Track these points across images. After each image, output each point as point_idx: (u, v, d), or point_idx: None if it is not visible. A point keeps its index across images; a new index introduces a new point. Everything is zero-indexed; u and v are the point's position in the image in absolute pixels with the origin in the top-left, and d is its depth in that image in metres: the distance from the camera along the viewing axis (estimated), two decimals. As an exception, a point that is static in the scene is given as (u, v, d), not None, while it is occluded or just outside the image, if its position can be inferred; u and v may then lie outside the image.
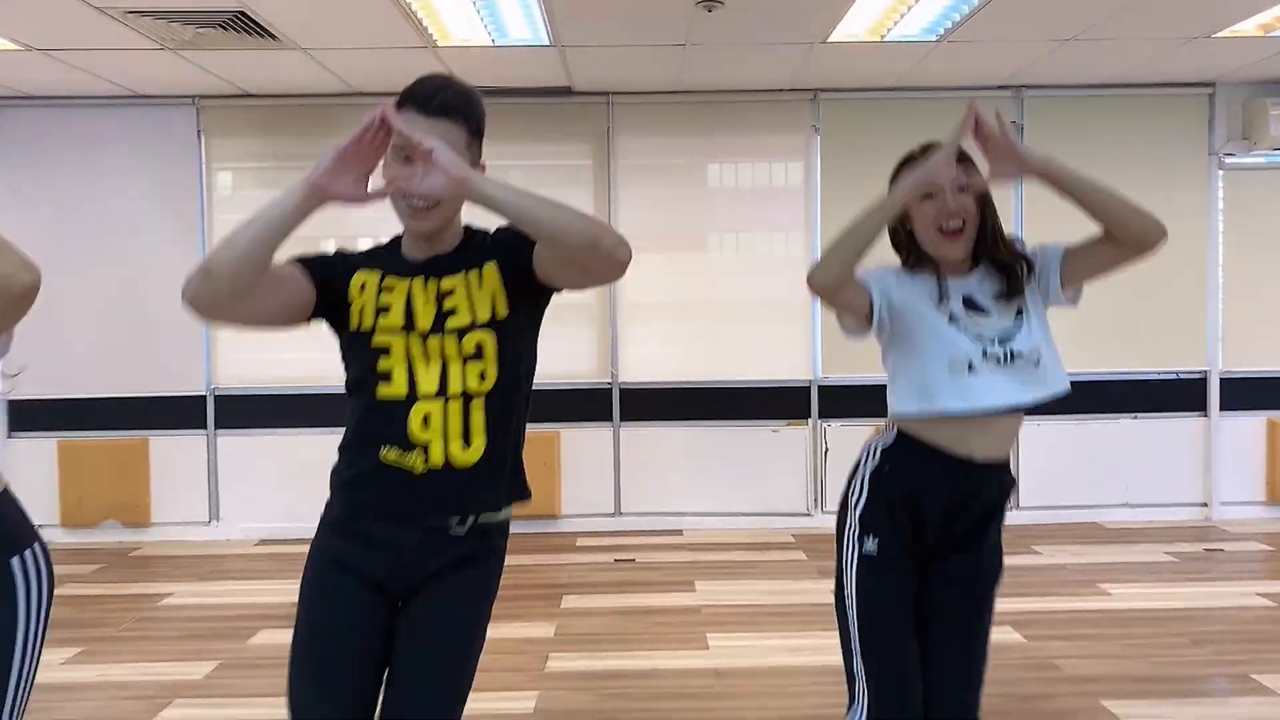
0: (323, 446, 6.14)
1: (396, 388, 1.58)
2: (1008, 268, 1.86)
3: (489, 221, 1.61)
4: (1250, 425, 5.30)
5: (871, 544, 1.83)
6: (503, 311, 1.59)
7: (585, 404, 5.32)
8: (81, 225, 5.25)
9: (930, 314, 1.83)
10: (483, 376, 1.58)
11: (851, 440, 5.22)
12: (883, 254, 1.92)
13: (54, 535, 5.29)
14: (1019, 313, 1.85)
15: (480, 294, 1.58)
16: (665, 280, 5.39)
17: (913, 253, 1.91)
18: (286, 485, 5.30)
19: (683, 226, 5.40)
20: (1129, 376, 5.32)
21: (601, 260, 1.46)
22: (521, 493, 1.68)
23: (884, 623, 1.82)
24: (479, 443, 1.57)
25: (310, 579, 1.63)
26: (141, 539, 5.28)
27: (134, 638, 3.79)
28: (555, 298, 1.68)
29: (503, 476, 1.63)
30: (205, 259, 1.46)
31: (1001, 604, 3.79)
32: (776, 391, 5.36)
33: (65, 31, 4.13)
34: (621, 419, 5.38)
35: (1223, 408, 5.32)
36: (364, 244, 1.76)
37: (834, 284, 1.82)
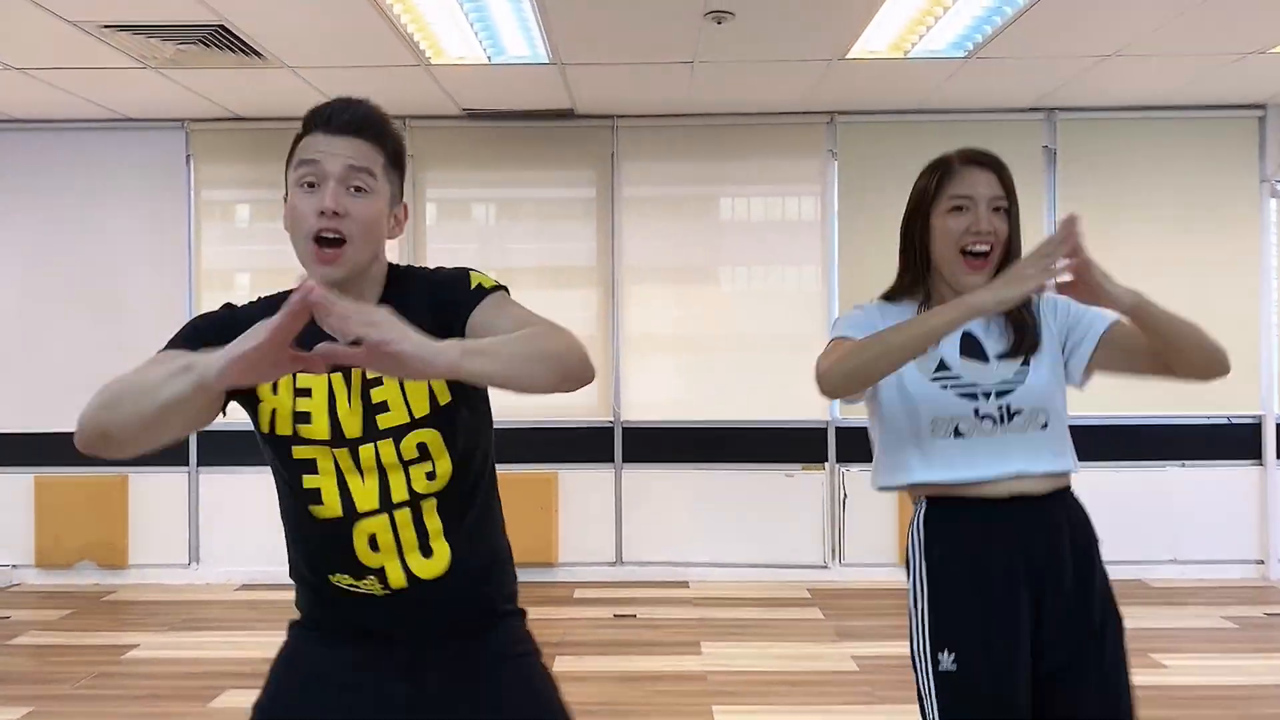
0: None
1: (330, 508, 1.28)
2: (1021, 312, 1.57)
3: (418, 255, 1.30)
4: (1311, 474, 4.88)
5: (948, 660, 1.49)
6: (444, 397, 1.28)
7: (585, 443, 5.00)
8: (66, 251, 5.05)
9: (909, 365, 1.50)
10: (430, 476, 1.28)
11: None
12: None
13: (28, 576, 5.04)
14: (1026, 360, 1.55)
15: (414, 385, 1.27)
16: (672, 313, 5.09)
17: (917, 275, 1.62)
18: (270, 526, 4.99)
19: (691, 257, 5.10)
20: (1176, 420, 4.92)
21: (569, 389, 1.20)
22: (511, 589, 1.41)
23: None
24: (441, 552, 1.28)
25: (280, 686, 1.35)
26: (117, 582, 5.00)
27: (90, 696, 3.49)
28: None
29: (487, 581, 1.35)
30: (99, 421, 1.14)
31: None
32: (791, 432, 5.01)
33: (42, 49, 3.95)
34: (624, 460, 5.04)
35: None
36: (261, 294, 1.38)
37: (843, 397, 1.58)
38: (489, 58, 4.13)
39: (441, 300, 1.29)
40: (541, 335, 1.18)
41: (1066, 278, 1.45)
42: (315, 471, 1.27)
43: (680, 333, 5.10)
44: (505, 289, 1.32)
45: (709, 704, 3.26)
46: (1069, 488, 1.59)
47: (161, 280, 5.04)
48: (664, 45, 3.93)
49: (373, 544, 1.26)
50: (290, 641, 1.37)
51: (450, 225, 5.23)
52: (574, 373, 1.19)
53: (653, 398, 5.06)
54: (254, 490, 4.96)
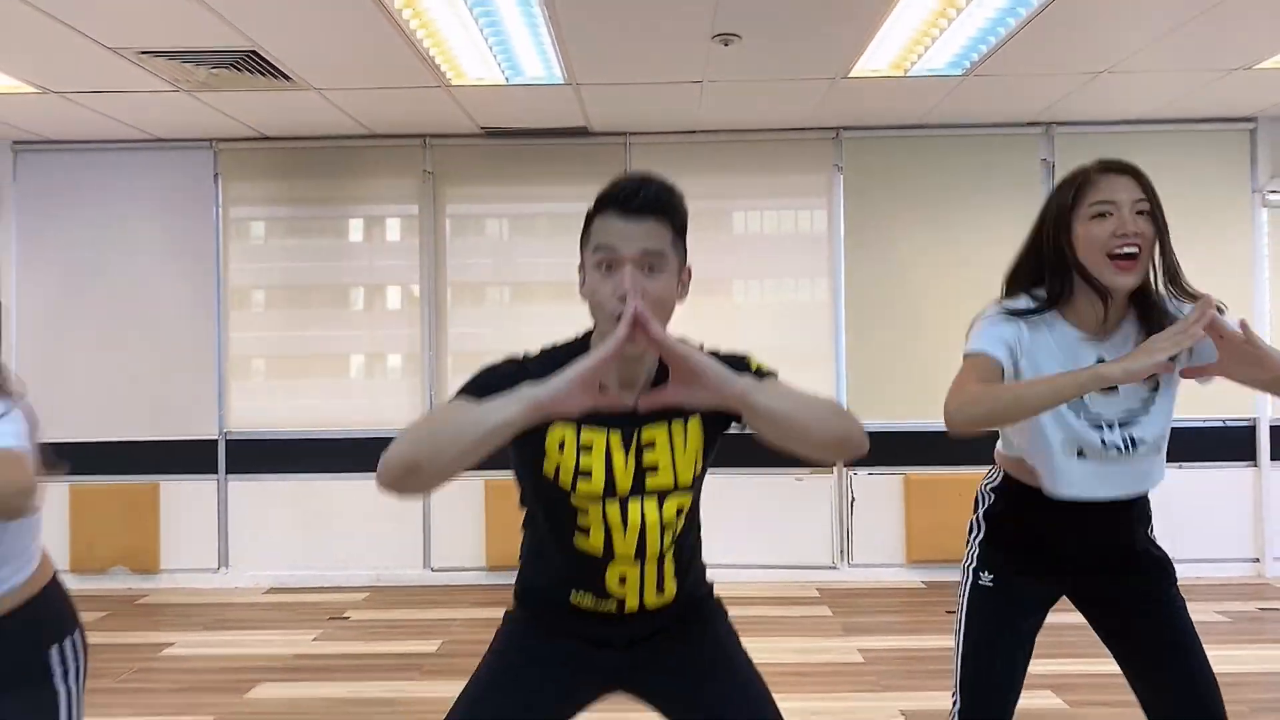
0: (334, 492, 6.04)
1: (593, 546, 1.48)
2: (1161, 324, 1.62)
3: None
4: (1305, 475, 5.02)
5: (987, 578, 1.80)
6: (700, 470, 1.51)
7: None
8: (98, 266, 5.24)
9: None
10: (675, 533, 1.51)
11: (879, 489, 5.07)
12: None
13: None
14: (1155, 387, 1.67)
15: (684, 454, 1.47)
16: (685, 326, 5.23)
17: (1065, 284, 1.68)
18: (297, 531, 5.20)
19: (702, 270, 5.21)
20: (1175, 424, 5.04)
21: (844, 455, 1.37)
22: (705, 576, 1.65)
23: (985, 652, 1.82)
24: (671, 588, 1.52)
25: (513, 648, 1.56)
26: (149, 586, 5.17)
27: (131, 689, 3.65)
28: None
29: (696, 595, 1.59)
30: (409, 455, 1.27)
31: (1040, 665, 3.51)
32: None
33: (81, 73, 4.14)
34: (639, 465, 5.20)
35: (1274, 457, 5.04)
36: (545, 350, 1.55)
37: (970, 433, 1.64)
38: (506, 79, 4.31)
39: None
40: (831, 402, 1.37)
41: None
42: (586, 514, 1.46)
43: (697, 338, 5.26)
44: (777, 374, 1.50)
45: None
46: (1144, 497, 1.77)
47: (190, 294, 5.22)
48: (674, 66, 4.12)
49: (621, 580, 1.48)
50: (509, 627, 1.56)
51: (468, 240, 5.40)
52: (854, 440, 1.34)
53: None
54: (280, 497, 5.19)
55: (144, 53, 3.89)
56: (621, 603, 1.49)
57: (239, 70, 4.11)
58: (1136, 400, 1.66)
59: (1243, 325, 1.59)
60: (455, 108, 4.72)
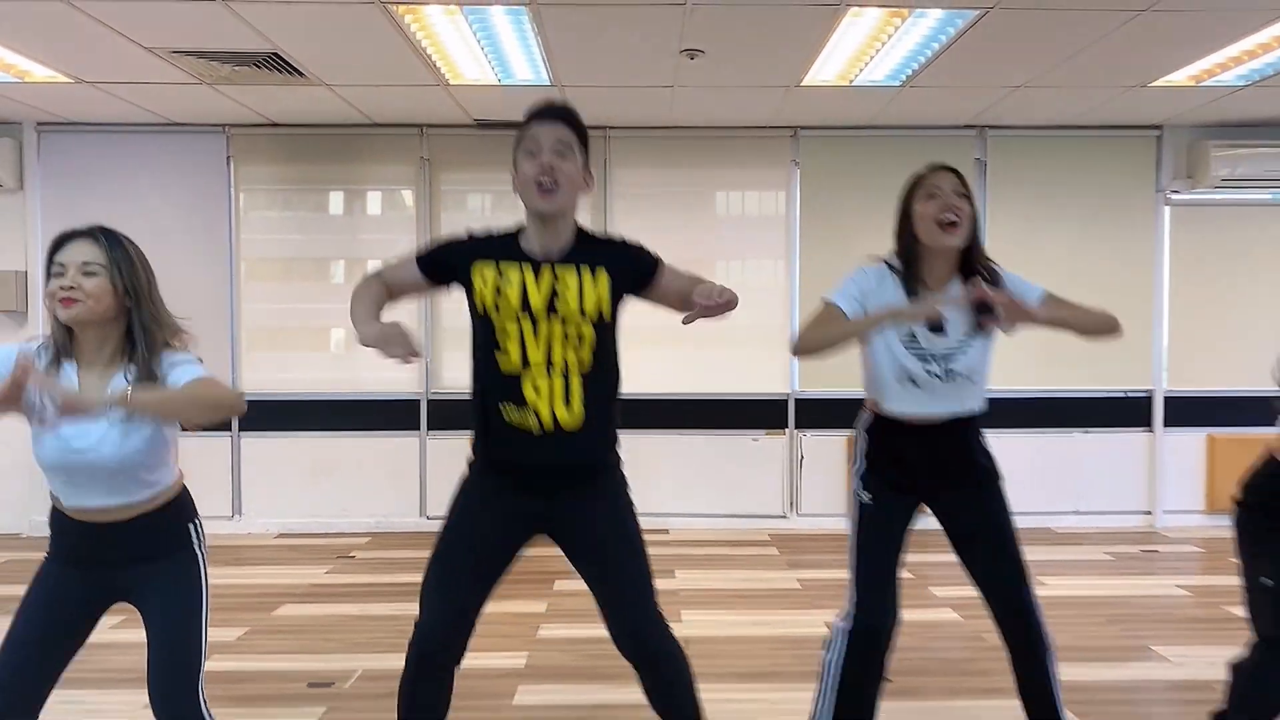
0: (338, 448, 6.65)
1: (513, 362, 1.97)
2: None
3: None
4: (1191, 440, 5.74)
5: (866, 497, 2.36)
6: (607, 315, 2.03)
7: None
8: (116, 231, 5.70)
9: (890, 331, 2.24)
10: (580, 360, 2.00)
11: (826, 449, 5.74)
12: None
13: (86, 526, 5.72)
14: (974, 338, 2.26)
15: (590, 291, 1.99)
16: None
17: (911, 249, 2.25)
18: (304, 483, 5.76)
19: (673, 253, 5.82)
20: (1081, 394, 5.77)
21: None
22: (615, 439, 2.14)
23: (868, 554, 2.35)
24: (578, 408, 1.98)
25: (467, 492, 2.07)
26: (168, 530, 5.70)
27: None
28: None
29: (603, 437, 2.08)
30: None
31: (945, 591, 4.34)
32: (757, 404, 5.81)
33: (115, 67, 4.61)
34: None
35: (1166, 424, 5.77)
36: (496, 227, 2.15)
37: (805, 357, 2.32)
38: (499, 79, 4.85)
39: (627, 266, 2.06)
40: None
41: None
42: (507, 334, 1.96)
43: (666, 316, 5.84)
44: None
45: (679, 609, 4.05)
46: (974, 419, 2.34)
47: (206, 268, 5.72)
48: (647, 73, 4.68)
49: (535, 390, 1.96)
50: (468, 475, 2.10)
51: (460, 219, 5.91)
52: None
53: (640, 374, 5.80)
54: (288, 452, 5.76)
55: (176, 52, 4.38)
56: (539, 416, 1.95)
57: (259, 68, 4.61)
58: (956, 342, 2.25)
59: (1045, 298, 2.24)
60: (451, 102, 5.25)
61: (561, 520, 2.06)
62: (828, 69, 4.64)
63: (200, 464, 5.74)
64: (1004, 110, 5.40)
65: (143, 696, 3.02)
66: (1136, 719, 2.95)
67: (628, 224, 5.82)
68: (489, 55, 4.52)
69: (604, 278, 2.01)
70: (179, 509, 2.06)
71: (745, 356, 5.79)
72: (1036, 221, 5.76)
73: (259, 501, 5.78)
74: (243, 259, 5.81)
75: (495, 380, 2.00)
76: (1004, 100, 5.18)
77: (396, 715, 2.11)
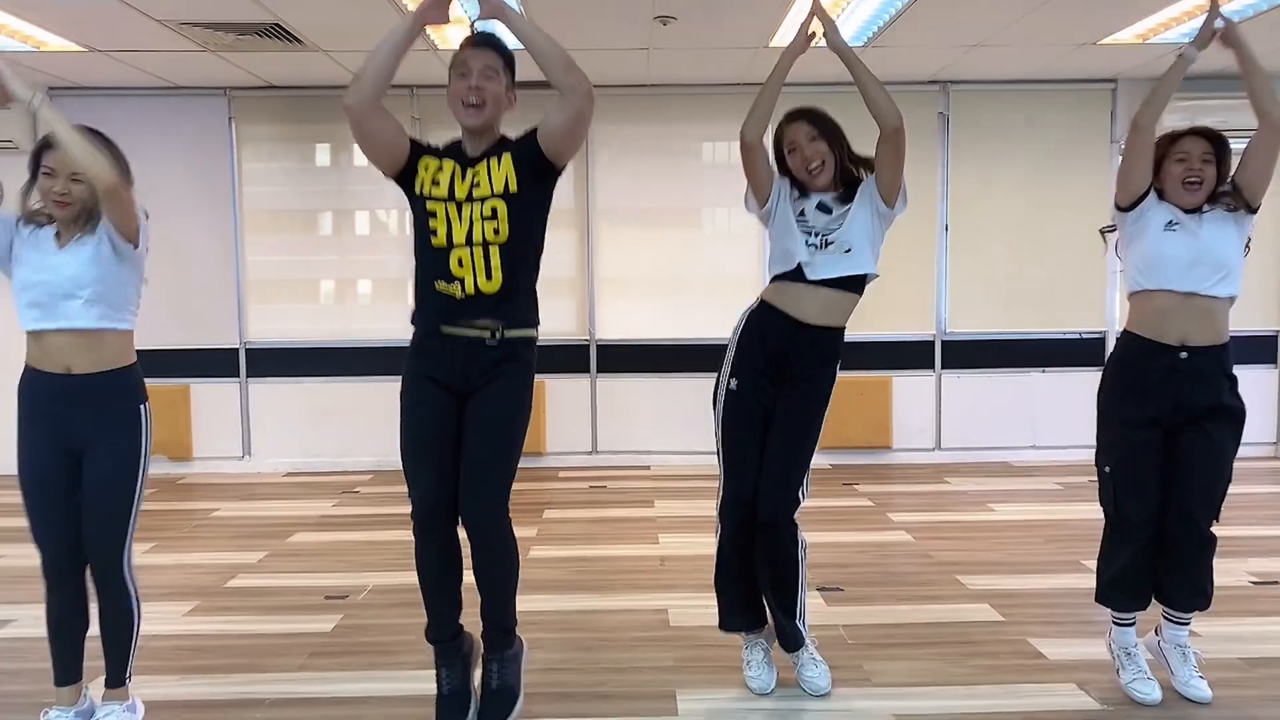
0: (340, 392, 7.06)
1: (440, 240, 2.31)
2: (852, 186, 2.66)
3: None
4: (1139, 377, 6.11)
5: (733, 383, 2.66)
6: (514, 188, 2.30)
7: (567, 358, 6.16)
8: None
9: (789, 214, 2.64)
10: (496, 232, 2.29)
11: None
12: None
13: (108, 469, 6.12)
14: (845, 215, 2.64)
15: (497, 172, 2.30)
16: (638, 249, 6.19)
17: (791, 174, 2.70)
18: (308, 425, 6.16)
19: (652, 202, 6.19)
20: (1038, 336, 6.14)
21: (577, 83, 2.28)
22: (534, 320, 2.43)
23: (732, 435, 2.65)
24: (497, 278, 2.30)
25: (406, 388, 2.41)
26: (185, 471, 6.12)
27: (195, 537, 4.61)
28: (543, 272, 2.45)
29: (518, 305, 2.36)
30: (355, 74, 2.25)
31: (899, 517, 4.82)
32: (734, 347, 6.16)
33: (127, 38, 4.89)
34: (599, 371, 6.21)
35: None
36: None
37: (758, 138, 2.65)
38: (485, 43, 5.12)
39: (523, 140, 2.36)
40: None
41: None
42: (436, 216, 2.30)
43: (646, 267, 6.21)
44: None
45: (656, 533, 4.48)
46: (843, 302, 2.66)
47: (211, 225, 6.04)
48: (623, 37, 4.96)
49: (460, 263, 2.28)
50: (411, 348, 2.43)
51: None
52: (575, 70, 2.34)
53: (622, 320, 6.20)
54: (293, 397, 6.16)
55: (184, 23, 4.66)
56: (463, 284, 2.27)
57: (261, 37, 4.89)
58: (836, 222, 2.61)
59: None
60: (440, 65, 5.52)
61: (471, 396, 2.37)
62: (793, 30, 4.90)
63: (211, 408, 6.14)
64: (964, 66, 5.68)
65: (183, 606, 3.49)
66: (1057, 620, 3.32)
67: (608, 175, 6.13)
68: (474, 21, 4.78)
69: (507, 158, 2.33)
70: (133, 380, 2.43)
71: (724, 304, 6.09)
72: (996, 172, 6.08)
73: (268, 442, 6.19)
74: (246, 214, 6.12)
75: (428, 257, 2.34)
76: (964, 57, 5.46)
77: (421, 585, 2.46)
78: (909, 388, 6.15)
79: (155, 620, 3.24)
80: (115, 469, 2.36)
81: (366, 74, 2.25)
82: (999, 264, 6.11)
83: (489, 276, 2.29)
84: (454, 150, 2.39)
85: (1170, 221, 2.57)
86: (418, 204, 2.35)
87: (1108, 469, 2.70)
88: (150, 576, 3.77)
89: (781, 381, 2.63)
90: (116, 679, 2.46)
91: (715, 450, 2.73)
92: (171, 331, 6.02)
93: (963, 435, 6.14)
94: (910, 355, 6.12)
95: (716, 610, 2.84)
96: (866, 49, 5.22)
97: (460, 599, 2.50)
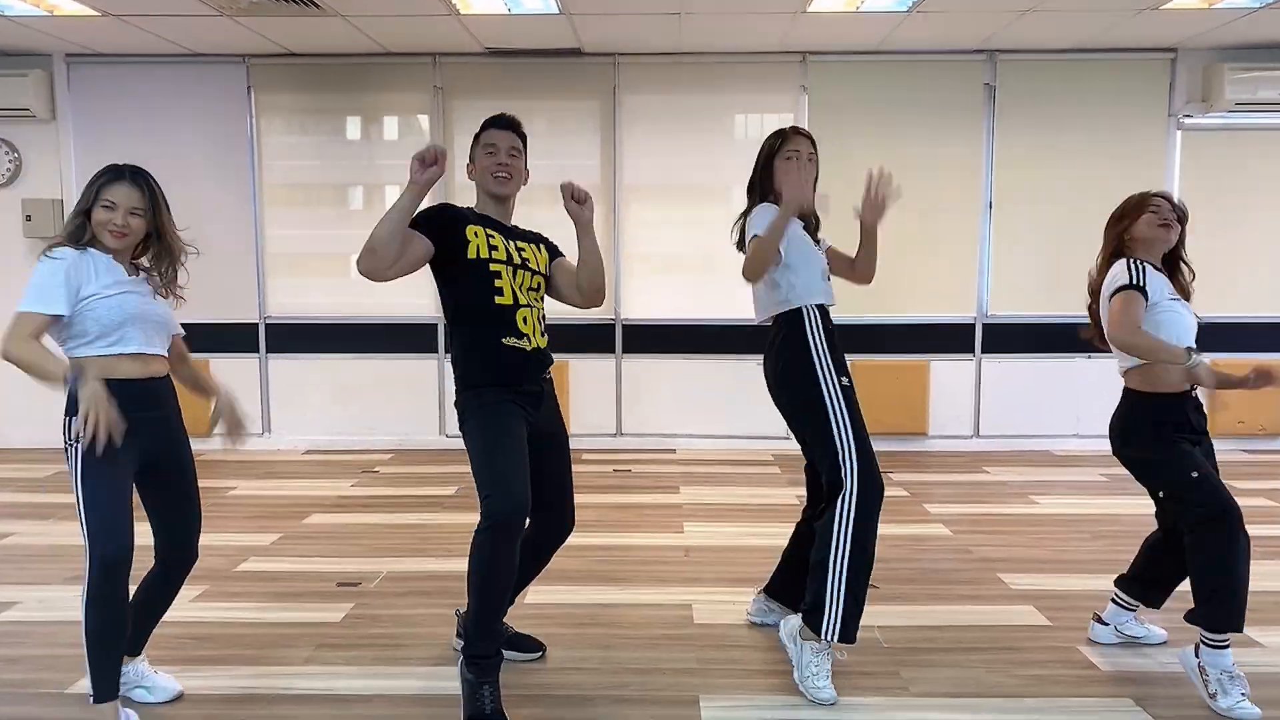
0: (361, 369, 6.94)
1: (506, 299, 2.53)
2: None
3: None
4: (1191, 364, 5.82)
5: (845, 380, 2.75)
6: (546, 274, 2.69)
7: (592, 338, 5.97)
8: (146, 168, 5.90)
9: (804, 235, 2.85)
10: (540, 300, 2.64)
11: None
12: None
13: (128, 444, 6.07)
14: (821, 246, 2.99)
15: (541, 257, 2.68)
16: (665, 225, 5.98)
17: (766, 193, 2.88)
18: (329, 402, 6.04)
19: (681, 178, 5.97)
20: (1085, 320, 5.83)
21: (594, 300, 2.66)
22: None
23: (861, 424, 2.69)
24: (543, 338, 2.61)
25: (487, 405, 2.48)
26: (203, 446, 5.96)
27: (210, 517, 4.34)
28: (568, 249, 2.73)
29: (549, 371, 2.67)
30: (367, 243, 2.32)
31: (936, 508, 4.59)
32: (760, 329, 5.94)
33: (142, 1, 4.75)
34: (624, 351, 6.03)
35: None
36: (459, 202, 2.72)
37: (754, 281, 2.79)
38: (509, 9, 4.92)
39: (548, 252, 2.72)
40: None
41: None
42: (500, 277, 2.52)
43: (674, 245, 6.01)
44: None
45: (681, 521, 4.31)
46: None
47: (230, 195, 5.93)
48: (654, 1, 4.73)
49: (524, 320, 2.54)
50: (478, 394, 2.49)
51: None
52: (603, 291, 2.70)
53: (648, 299, 6.01)
54: (313, 374, 6.04)
55: (197, -16, 4.51)
56: (528, 338, 2.54)
57: (277, 1, 4.72)
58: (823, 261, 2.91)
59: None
60: (463, 31, 5.33)
61: (537, 418, 2.59)
62: (834, -5, 4.65)
63: (230, 384, 6.00)
64: (1013, 34, 5.39)
65: (193, 591, 3.32)
66: (1103, 622, 3.13)
67: (636, 148, 5.92)
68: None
69: (545, 251, 2.71)
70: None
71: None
72: (1045, 146, 5.78)
73: (287, 420, 6.08)
74: (265, 185, 5.99)
75: (489, 315, 2.52)
76: (1014, 24, 5.16)
77: (491, 591, 2.36)
78: (947, 372, 5.89)
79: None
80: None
81: (377, 244, 2.33)
82: (1045, 244, 5.82)
83: (543, 334, 2.62)
84: (488, 220, 2.62)
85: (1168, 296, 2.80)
86: (476, 268, 2.51)
87: (1194, 474, 2.56)
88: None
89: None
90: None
91: (838, 441, 2.66)
92: (190, 305, 5.77)
93: (1003, 423, 5.89)
94: (949, 339, 5.86)
95: (839, 618, 2.58)
96: (910, 14, 4.95)
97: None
